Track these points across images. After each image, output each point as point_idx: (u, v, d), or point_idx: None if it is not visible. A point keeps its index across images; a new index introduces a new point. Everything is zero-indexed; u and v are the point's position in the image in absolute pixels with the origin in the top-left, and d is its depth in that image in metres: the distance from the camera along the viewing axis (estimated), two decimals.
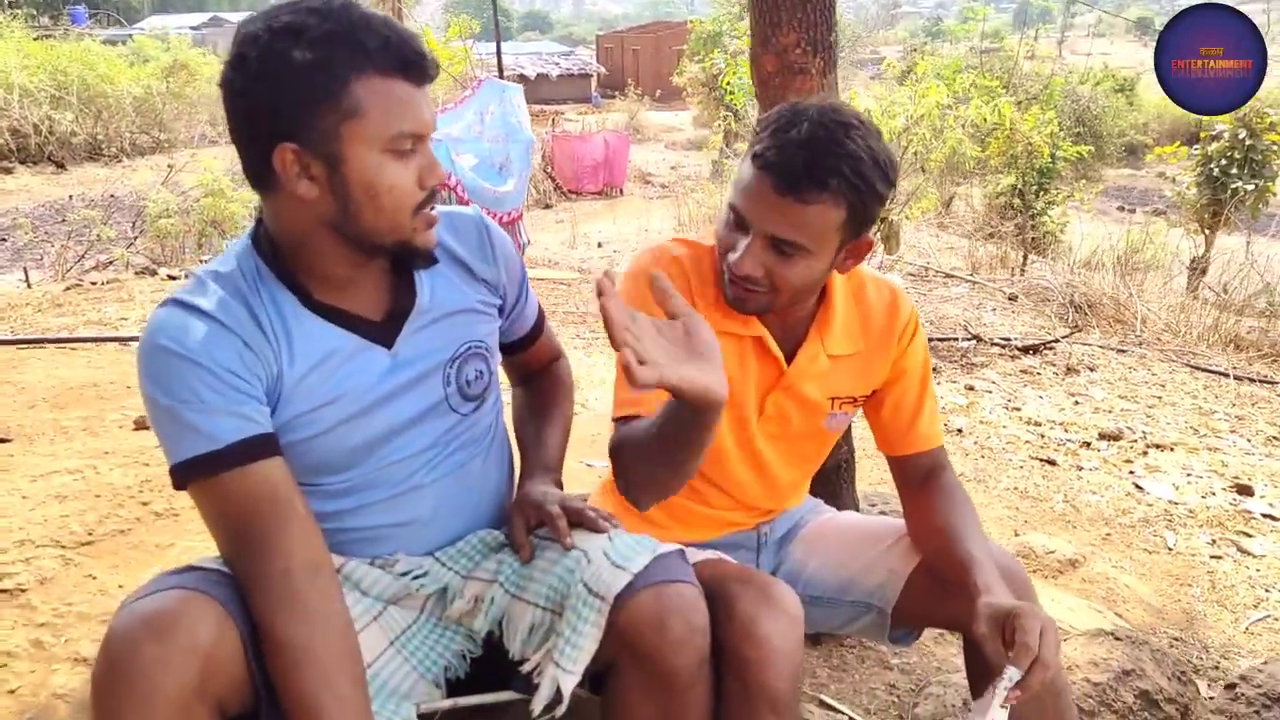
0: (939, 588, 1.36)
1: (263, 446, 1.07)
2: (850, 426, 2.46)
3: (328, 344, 1.15)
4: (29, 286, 6.79)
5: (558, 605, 1.16)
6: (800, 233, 1.23)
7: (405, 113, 1.07)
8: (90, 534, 2.59)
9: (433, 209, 1.15)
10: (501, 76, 7.88)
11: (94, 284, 6.64)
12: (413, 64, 1.07)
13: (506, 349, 1.42)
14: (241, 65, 1.04)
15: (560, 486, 1.35)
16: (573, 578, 1.15)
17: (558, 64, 32.48)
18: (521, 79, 21.15)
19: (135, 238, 8.65)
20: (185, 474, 1.05)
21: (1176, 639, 2.49)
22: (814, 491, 1.72)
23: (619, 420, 1.31)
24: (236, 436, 1.05)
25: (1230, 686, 1.90)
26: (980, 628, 1.13)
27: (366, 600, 1.20)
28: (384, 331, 1.19)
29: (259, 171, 1.08)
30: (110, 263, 7.77)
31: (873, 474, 3.10)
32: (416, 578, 1.23)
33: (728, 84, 12.37)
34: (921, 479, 1.46)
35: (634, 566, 1.12)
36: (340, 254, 1.13)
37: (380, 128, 1.06)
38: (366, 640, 1.15)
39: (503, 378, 1.43)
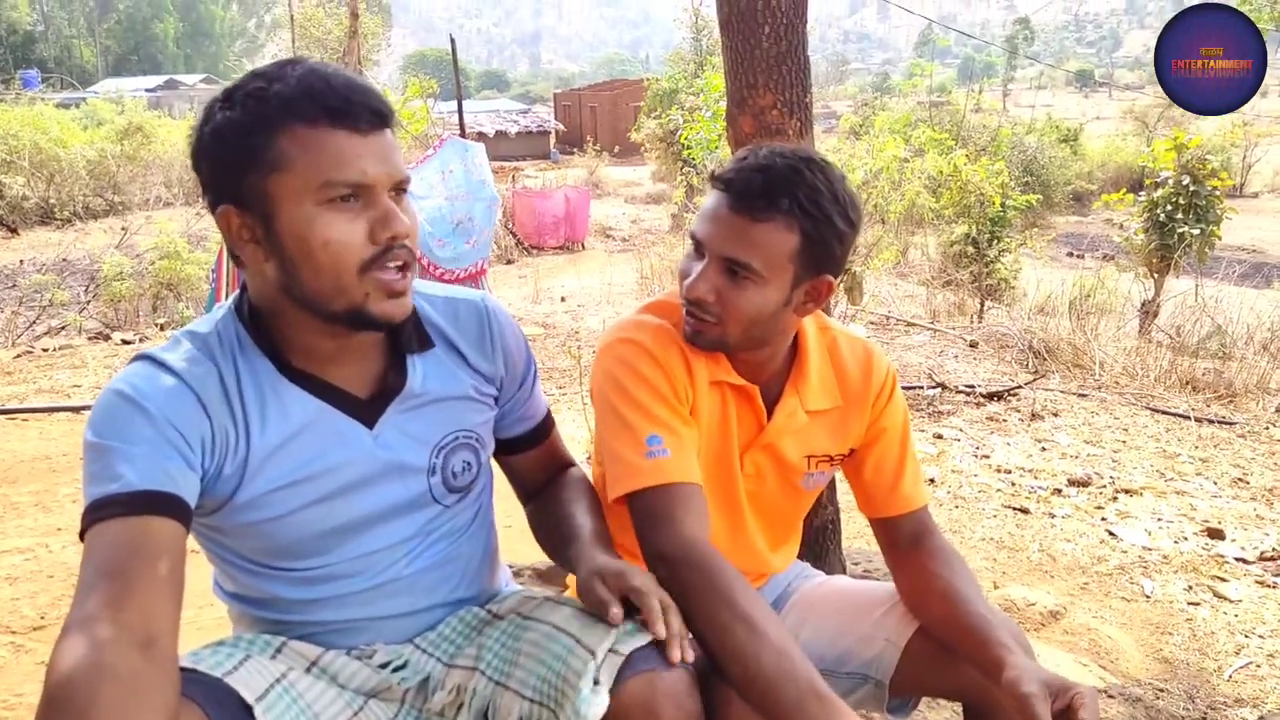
0: (938, 656, 1.32)
1: (164, 504, 0.97)
2: (835, 487, 2.44)
3: (305, 415, 1.10)
4: None
5: (546, 697, 1.10)
6: (750, 252, 1.23)
7: (336, 162, 1.01)
8: (42, 617, 2.48)
9: (401, 275, 1.06)
10: (463, 135, 7.90)
11: (45, 350, 6.48)
12: (341, 111, 1.01)
13: (508, 447, 1.34)
14: (194, 134, 1.05)
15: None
16: (562, 665, 1.10)
17: (516, 121, 32.93)
18: (480, 137, 21.35)
19: (88, 302, 8.49)
20: (90, 514, 0.96)
21: (1161, 690, 2.47)
22: (800, 554, 1.68)
23: (650, 491, 1.21)
24: (145, 486, 0.97)
25: None
26: (1029, 687, 1.09)
27: (346, 695, 1.13)
28: (367, 409, 1.14)
29: (224, 240, 1.06)
30: (63, 328, 7.62)
31: (848, 527, 3.07)
32: (396, 669, 1.17)
33: (686, 139, 12.56)
34: (909, 542, 1.42)
35: (625, 650, 1.07)
36: (312, 325, 1.08)
37: (306, 179, 1.01)
38: None
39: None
